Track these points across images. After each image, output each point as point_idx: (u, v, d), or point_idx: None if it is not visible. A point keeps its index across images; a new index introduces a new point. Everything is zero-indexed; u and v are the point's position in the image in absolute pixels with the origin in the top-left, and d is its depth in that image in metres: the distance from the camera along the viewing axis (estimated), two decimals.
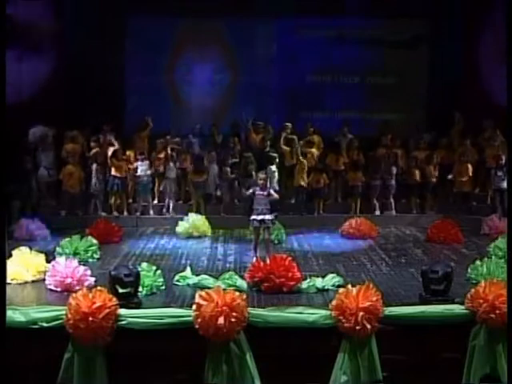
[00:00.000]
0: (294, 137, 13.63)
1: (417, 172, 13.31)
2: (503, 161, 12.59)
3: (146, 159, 13.06)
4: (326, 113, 15.58)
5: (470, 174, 13.02)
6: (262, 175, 9.52)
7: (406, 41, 15.62)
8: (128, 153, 13.27)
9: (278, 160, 12.98)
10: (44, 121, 13.44)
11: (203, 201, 12.99)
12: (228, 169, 13.13)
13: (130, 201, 13.25)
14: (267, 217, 9.16)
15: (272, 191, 9.38)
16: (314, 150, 13.61)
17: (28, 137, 13.23)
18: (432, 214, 12.96)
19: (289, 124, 13.87)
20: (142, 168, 12.92)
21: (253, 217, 9.21)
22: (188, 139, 13.79)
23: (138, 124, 14.15)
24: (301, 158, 13.22)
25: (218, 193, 13.19)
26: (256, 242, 9.36)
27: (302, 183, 13.14)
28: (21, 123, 13.13)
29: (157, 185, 13.28)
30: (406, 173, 13.37)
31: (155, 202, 13.28)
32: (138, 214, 13.00)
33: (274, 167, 12.78)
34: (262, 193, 9.19)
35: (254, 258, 9.04)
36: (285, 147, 13.48)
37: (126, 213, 12.97)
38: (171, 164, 13.04)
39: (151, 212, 13.08)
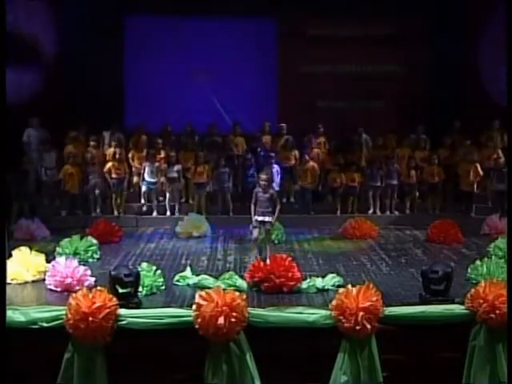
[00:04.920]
0: (289, 137, 13.64)
1: (417, 172, 13.32)
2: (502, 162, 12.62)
3: (153, 160, 12.99)
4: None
5: (480, 174, 12.92)
6: (263, 176, 9.28)
7: (404, 40, 15.63)
8: (129, 153, 13.27)
9: (275, 160, 13.00)
10: (44, 121, 13.47)
11: (205, 201, 12.99)
12: (228, 169, 13.12)
13: (141, 202, 13.15)
14: (267, 218, 9.10)
15: (274, 193, 9.33)
16: (317, 151, 13.64)
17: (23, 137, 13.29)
18: (432, 213, 12.93)
19: (283, 125, 13.89)
20: (149, 169, 12.88)
21: (254, 217, 9.19)
22: (184, 139, 13.76)
23: (138, 124, 14.17)
24: (306, 158, 13.23)
25: (219, 192, 13.20)
26: (255, 243, 9.35)
27: (306, 184, 13.13)
28: (20, 124, 13.17)
29: (158, 185, 13.27)
30: (406, 173, 13.35)
31: (155, 202, 13.27)
32: (139, 213, 13.00)
33: (274, 168, 12.79)
34: (263, 194, 9.14)
35: (254, 258, 9.04)
36: (283, 148, 13.51)
37: (125, 213, 12.95)
38: (171, 164, 13.02)
39: (155, 212, 13.03)
